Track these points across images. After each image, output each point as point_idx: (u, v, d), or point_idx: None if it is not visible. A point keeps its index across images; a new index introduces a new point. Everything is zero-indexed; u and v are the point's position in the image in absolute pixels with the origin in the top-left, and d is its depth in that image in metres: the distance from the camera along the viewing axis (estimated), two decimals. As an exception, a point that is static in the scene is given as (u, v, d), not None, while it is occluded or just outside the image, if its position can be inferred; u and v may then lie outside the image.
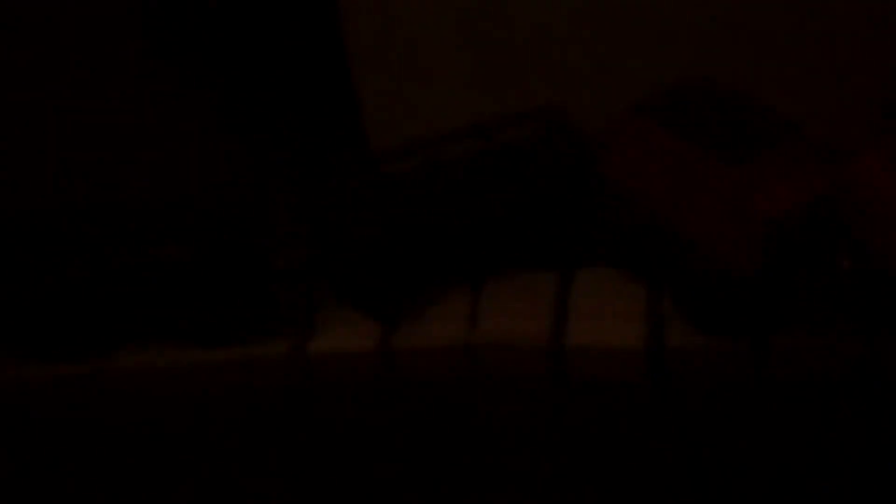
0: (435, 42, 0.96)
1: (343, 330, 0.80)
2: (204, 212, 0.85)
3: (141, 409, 0.80)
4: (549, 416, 0.80)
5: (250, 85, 0.96)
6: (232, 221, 0.83)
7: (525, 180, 0.85)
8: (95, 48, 0.93)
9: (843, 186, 0.79)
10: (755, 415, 0.79)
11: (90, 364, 0.79)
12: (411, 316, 0.82)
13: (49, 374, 0.79)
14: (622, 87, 0.94)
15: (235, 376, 0.79)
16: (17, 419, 0.81)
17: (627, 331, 0.79)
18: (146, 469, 0.82)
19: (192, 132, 0.97)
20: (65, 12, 0.92)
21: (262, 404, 0.79)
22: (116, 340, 0.81)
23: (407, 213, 0.82)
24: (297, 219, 0.86)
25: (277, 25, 0.95)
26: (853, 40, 0.94)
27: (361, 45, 0.94)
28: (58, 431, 0.81)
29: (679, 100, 0.85)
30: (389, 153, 0.87)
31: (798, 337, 0.78)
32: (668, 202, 0.82)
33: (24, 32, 0.92)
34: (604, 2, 0.95)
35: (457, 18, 0.95)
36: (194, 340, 0.81)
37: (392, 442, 0.81)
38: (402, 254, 0.82)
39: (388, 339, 0.80)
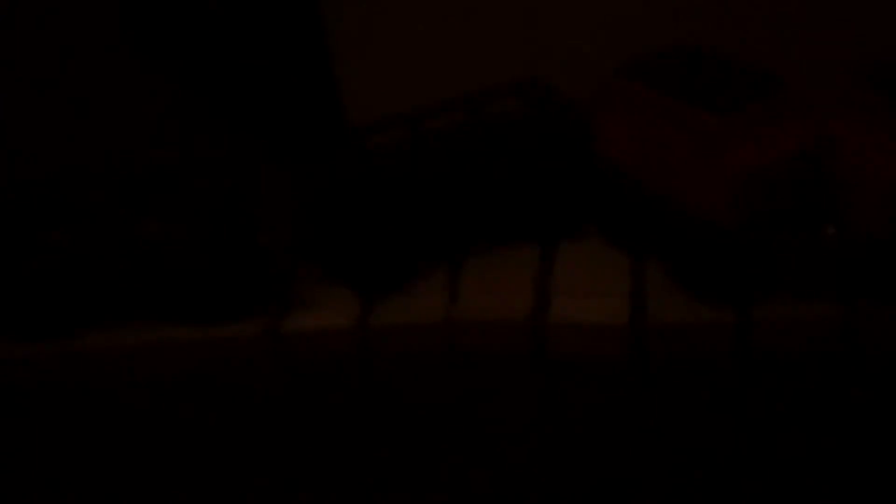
0: (417, 17, 0.95)
1: (321, 307, 0.80)
2: (192, 191, 0.84)
3: (114, 387, 0.80)
4: (530, 393, 0.80)
5: (237, 66, 0.96)
6: (220, 200, 0.82)
7: (513, 152, 0.84)
8: (89, 34, 0.93)
9: (828, 153, 0.79)
10: (738, 388, 0.79)
11: (64, 342, 0.79)
12: (394, 292, 0.81)
13: (24, 353, 0.79)
14: (607, 58, 0.94)
15: (213, 354, 0.78)
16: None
17: (610, 307, 0.78)
18: (121, 446, 0.81)
19: (181, 113, 0.97)
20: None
21: (239, 381, 0.79)
22: (98, 318, 0.81)
23: (394, 187, 0.81)
24: (285, 197, 0.85)
25: (261, 9, 0.95)
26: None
27: (342, 22, 0.94)
28: (32, 409, 0.80)
29: (664, 61, 0.84)
30: (376, 127, 0.87)
31: (779, 308, 0.77)
32: (655, 159, 0.81)
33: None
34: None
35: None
36: (184, 318, 0.80)
37: (372, 418, 0.80)
38: (390, 228, 0.81)
39: (368, 316, 0.80)
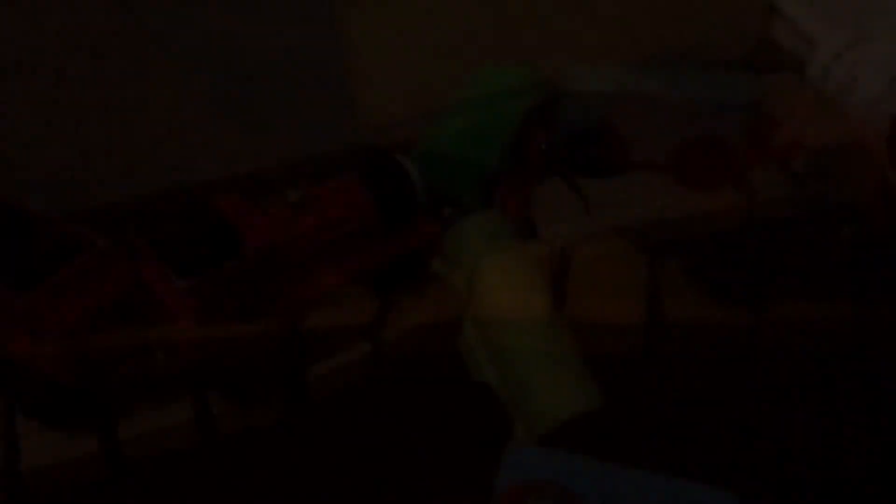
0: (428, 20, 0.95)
1: (339, 305, 0.79)
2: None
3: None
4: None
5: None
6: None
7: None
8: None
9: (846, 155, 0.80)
10: (754, 386, 0.79)
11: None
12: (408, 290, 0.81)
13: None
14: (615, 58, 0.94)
15: (230, 350, 0.77)
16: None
17: (627, 305, 0.78)
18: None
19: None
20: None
21: (258, 379, 0.78)
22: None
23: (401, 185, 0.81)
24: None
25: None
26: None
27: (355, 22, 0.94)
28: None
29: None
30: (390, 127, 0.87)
31: (795, 306, 0.78)
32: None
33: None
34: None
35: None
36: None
37: (388, 419, 0.79)
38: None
39: (386, 314, 0.80)
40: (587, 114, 0.92)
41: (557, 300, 0.80)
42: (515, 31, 1.01)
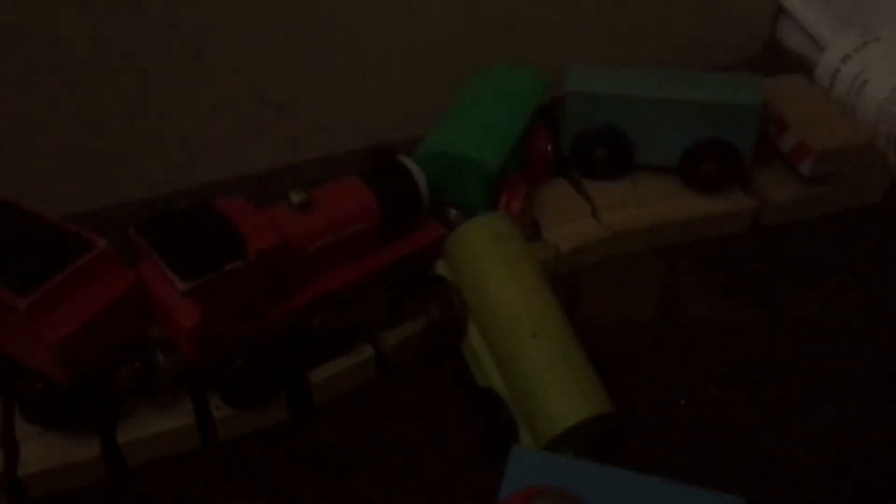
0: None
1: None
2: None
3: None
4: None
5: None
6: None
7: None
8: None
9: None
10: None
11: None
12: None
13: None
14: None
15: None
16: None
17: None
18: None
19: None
20: None
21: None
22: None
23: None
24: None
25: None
26: None
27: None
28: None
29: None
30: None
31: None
32: None
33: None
34: None
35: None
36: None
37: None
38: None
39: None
40: (593, 115, 0.92)
41: (569, 302, 0.80)
42: (520, 32, 1.00)
